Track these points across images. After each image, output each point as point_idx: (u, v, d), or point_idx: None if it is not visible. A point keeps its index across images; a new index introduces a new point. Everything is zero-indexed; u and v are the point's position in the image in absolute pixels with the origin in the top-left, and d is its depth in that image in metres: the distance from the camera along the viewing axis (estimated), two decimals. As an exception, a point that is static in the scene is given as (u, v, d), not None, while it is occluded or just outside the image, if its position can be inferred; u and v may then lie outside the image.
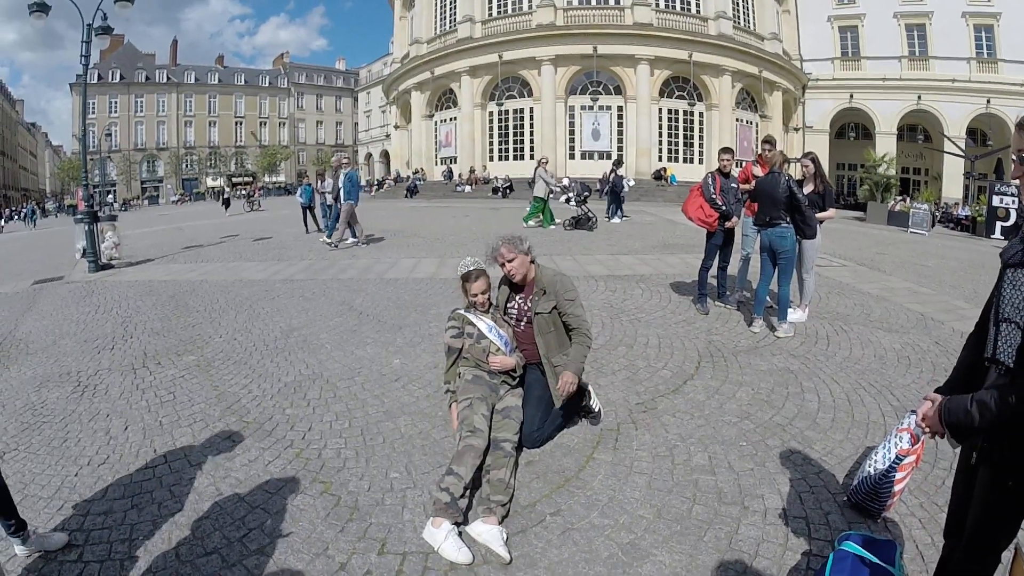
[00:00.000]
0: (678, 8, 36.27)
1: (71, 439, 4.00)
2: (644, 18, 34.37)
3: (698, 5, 36.44)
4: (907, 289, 8.84)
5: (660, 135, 36.40)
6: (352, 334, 6.38)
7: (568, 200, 15.90)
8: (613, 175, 19.22)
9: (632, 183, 23.19)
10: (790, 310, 6.43)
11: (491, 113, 38.86)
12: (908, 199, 27.31)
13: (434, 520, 2.84)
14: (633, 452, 3.75)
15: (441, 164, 41.83)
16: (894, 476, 3.01)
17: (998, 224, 20.78)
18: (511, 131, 38.38)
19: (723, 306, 7.34)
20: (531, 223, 16.32)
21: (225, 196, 33.06)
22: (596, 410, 4.13)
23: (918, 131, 40.54)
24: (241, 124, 75.00)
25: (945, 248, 16.05)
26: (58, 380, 5.13)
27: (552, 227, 15.82)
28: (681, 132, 37.19)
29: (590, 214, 15.89)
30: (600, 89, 36.33)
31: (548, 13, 35.12)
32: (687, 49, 34.61)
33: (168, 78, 70.73)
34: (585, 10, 35.77)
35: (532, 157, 36.31)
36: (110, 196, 53.16)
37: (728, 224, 7.04)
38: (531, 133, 37.21)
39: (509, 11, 37.47)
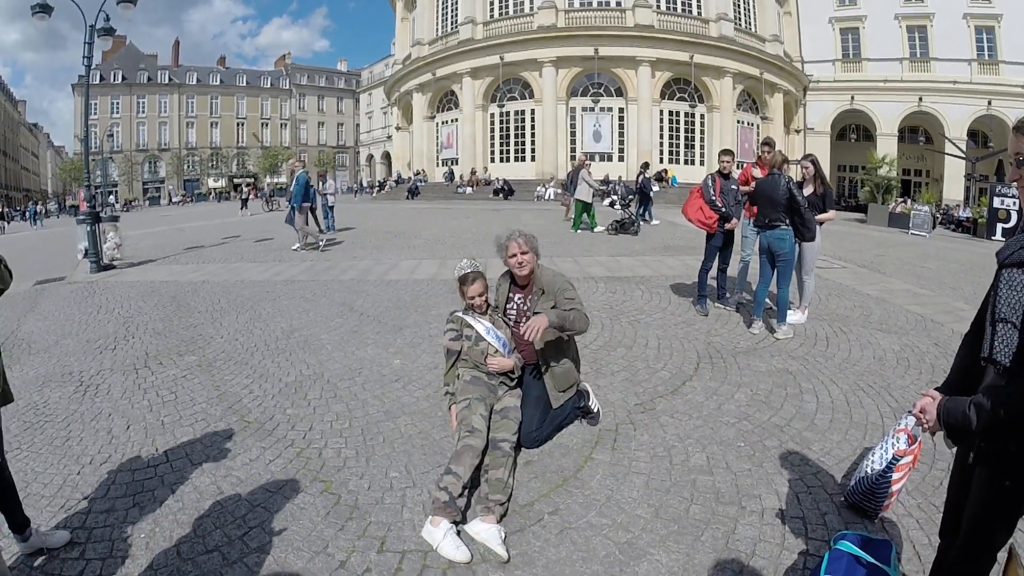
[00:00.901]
0: (679, 10, 36.34)
1: (73, 438, 4.03)
2: (645, 20, 34.43)
3: (699, 7, 36.52)
4: (907, 291, 8.86)
5: (661, 137, 36.44)
6: (353, 335, 6.41)
7: (612, 204, 15.57)
8: (642, 177, 19.14)
9: (657, 188, 22.86)
10: (789, 312, 6.45)
11: (492, 115, 38.92)
12: (909, 201, 27.32)
13: (433, 519, 2.86)
14: (631, 452, 3.77)
15: (442, 165, 41.92)
16: (891, 476, 3.03)
17: (999, 226, 20.78)
18: (512, 133, 38.43)
19: (722, 307, 7.36)
20: (579, 230, 15.85)
21: (244, 196, 32.98)
22: (595, 411, 4.15)
23: (919, 133, 40.56)
24: (243, 125, 75.15)
25: (946, 250, 16.05)
26: (60, 380, 5.16)
27: (598, 230, 15.37)
28: (682, 134, 37.24)
29: (634, 217, 15.59)
30: (601, 91, 36.37)
31: (549, 15, 35.18)
32: (688, 51, 34.66)
33: (170, 79, 70.89)
34: (586, 12, 35.84)
35: (534, 159, 36.52)
36: (112, 197, 53.16)
37: (728, 226, 7.06)
38: (532, 135, 37.25)
39: (511, 13, 37.57)
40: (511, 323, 4.04)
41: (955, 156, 32.53)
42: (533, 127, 37.17)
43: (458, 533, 2.85)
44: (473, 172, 36.82)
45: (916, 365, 5.49)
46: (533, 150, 37.22)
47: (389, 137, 60.20)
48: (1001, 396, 1.71)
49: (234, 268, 10.87)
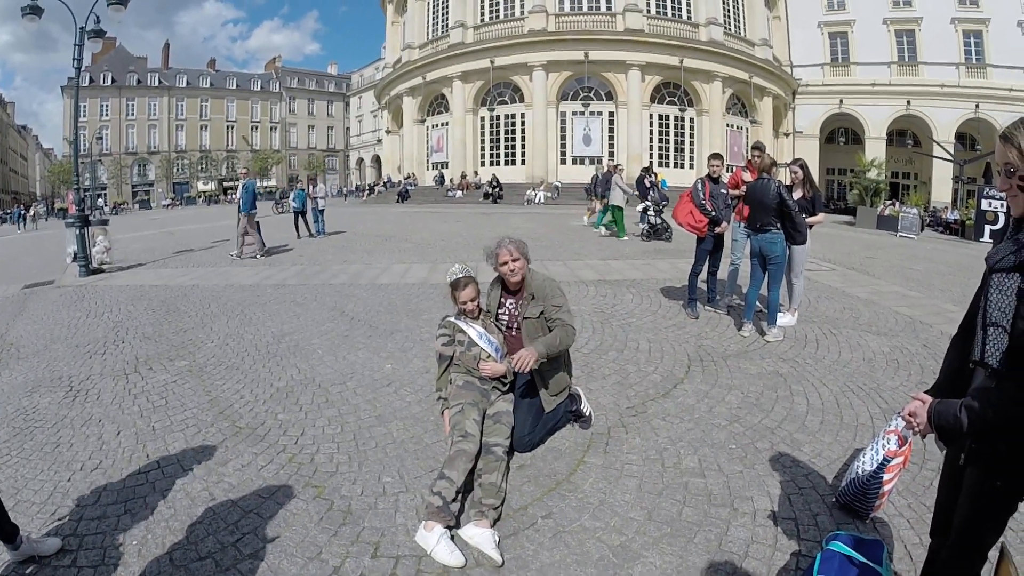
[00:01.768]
0: (669, 14, 36.49)
1: (63, 444, 3.99)
2: (635, 24, 34.57)
3: (689, 11, 36.71)
4: (896, 293, 8.93)
5: (651, 140, 36.50)
6: (344, 339, 6.40)
7: (646, 210, 15.38)
8: (648, 180, 19.14)
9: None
10: (779, 314, 6.49)
11: (483, 118, 38.92)
12: (897, 203, 27.53)
13: (426, 524, 2.86)
14: (624, 455, 3.78)
15: (432, 169, 41.87)
16: (882, 477, 3.05)
17: (987, 228, 21.00)
18: (503, 136, 38.45)
19: (713, 311, 7.40)
20: (603, 231, 15.87)
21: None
22: (587, 414, 4.17)
23: (907, 136, 40.85)
24: (233, 128, 74.84)
25: (934, 252, 16.19)
26: (50, 385, 5.12)
27: (625, 238, 15.07)
28: (672, 137, 37.35)
29: (667, 223, 15.24)
30: (591, 95, 36.50)
31: (540, 19, 35.25)
32: (678, 55, 34.81)
33: (160, 81, 70.57)
34: (577, 16, 35.92)
35: (523, 162, 36.50)
36: (100, 200, 52.79)
37: (718, 229, 7.11)
38: (523, 138, 37.27)
39: (501, 17, 37.61)
40: (503, 328, 4.04)
41: (943, 159, 32.82)
42: (523, 131, 37.19)
43: (452, 538, 2.85)
44: (463, 176, 36.82)
45: (905, 366, 5.53)
46: (523, 154, 37.23)
47: (379, 141, 60.17)
48: (992, 398, 1.73)
49: (224, 272, 10.83)
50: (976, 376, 1.90)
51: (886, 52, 39.95)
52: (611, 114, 36.27)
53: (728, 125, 38.14)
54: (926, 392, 2.09)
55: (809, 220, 6.70)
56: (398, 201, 35.94)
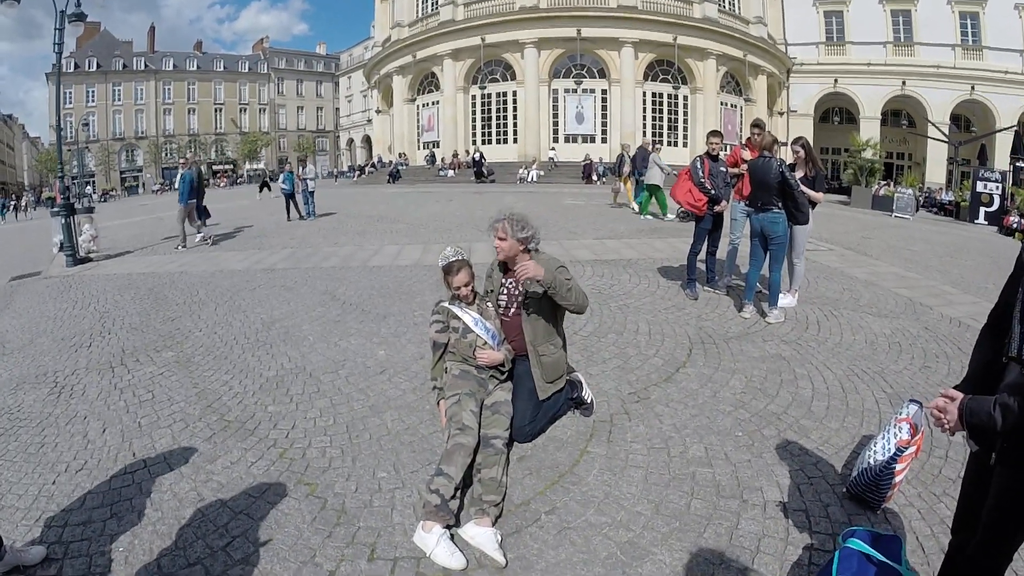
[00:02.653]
0: (663, -10, 36.03)
1: (48, 444, 3.85)
2: (629, 1, 34.08)
3: (683, -13, 36.23)
4: (894, 274, 8.84)
5: (644, 118, 36.17)
6: (335, 325, 6.25)
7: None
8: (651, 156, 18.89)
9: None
10: (780, 295, 6.37)
11: (474, 97, 38.49)
12: (892, 184, 27.46)
13: (424, 524, 2.74)
14: (628, 444, 3.67)
15: (424, 148, 41.45)
16: (894, 467, 2.96)
17: (982, 210, 21.03)
18: (494, 115, 38.07)
19: (712, 291, 7.28)
20: (648, 215, 15.16)
21: (265, 179, 31.97)
22: (588, 401, 4.05)
23: (902, 116, 40.60)
24: (221, 111, 73.80)
25: (930, 233, 16.12)
26: (35, 381, 4.95)
27: (671, 216, 14.48)
28: (666, 115, 37.03)
29: None
30: (584, 72, 36.10)
31: (531, -5, 34.72)
32: (671, 32, 34.41)
33: (146, 65, 69.32)
34: (569, -8, 35.41)
35: (516, 141, 36.19)
36: (89, 187, 52.12)
37: (717, 208, 6.96)
38: (515, 117, 36.90)
39: (492, -7, 37.05)
40: (501, 309, 3.88)
41: (938, 140, 32.69)
42: (515, 109, 36.82)
43: (452, 538, 2.73)
44: (455, 155, 36.45)
45: (908, 350, 5.45)
46: (515, 132, 36.91)
47: (369, 121, 59.53)
48: None
49: (212, 257, 10.63)
50: (1009, 371, 1.82)
51: (881, 32, 39.64)
52: (604, 92, 35.93)
53: (722, 103, 37.86)
54: (955, 387, 1.99)
55: (809, 194, 6.50)
56: (389, 181, 35.54)
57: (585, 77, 36.04)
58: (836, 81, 40.43)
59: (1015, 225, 18.27)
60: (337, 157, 77.24)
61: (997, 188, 21.09)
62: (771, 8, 41.45)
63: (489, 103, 38.19)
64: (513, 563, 2.65)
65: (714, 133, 7.09)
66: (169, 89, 70.77)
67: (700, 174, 6.82)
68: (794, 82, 42.03)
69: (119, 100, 68.20)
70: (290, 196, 16.62)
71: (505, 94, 37.34)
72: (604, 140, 35.52)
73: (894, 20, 39.56)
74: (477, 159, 32.05)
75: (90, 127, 63.15)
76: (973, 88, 37.35)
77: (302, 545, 2.77)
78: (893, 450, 3.03)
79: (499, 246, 3.68)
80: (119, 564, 2.69)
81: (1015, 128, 33.09)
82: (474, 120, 38.79)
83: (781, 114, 41.87)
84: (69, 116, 61.41)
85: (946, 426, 1.88)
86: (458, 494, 2.92)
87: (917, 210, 22.56)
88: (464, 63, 37.42)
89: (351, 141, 73.75)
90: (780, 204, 5.98)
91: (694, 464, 3.44)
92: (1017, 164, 25.54)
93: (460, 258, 3.76)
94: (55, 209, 11.85)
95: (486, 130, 38.51)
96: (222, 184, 55.75)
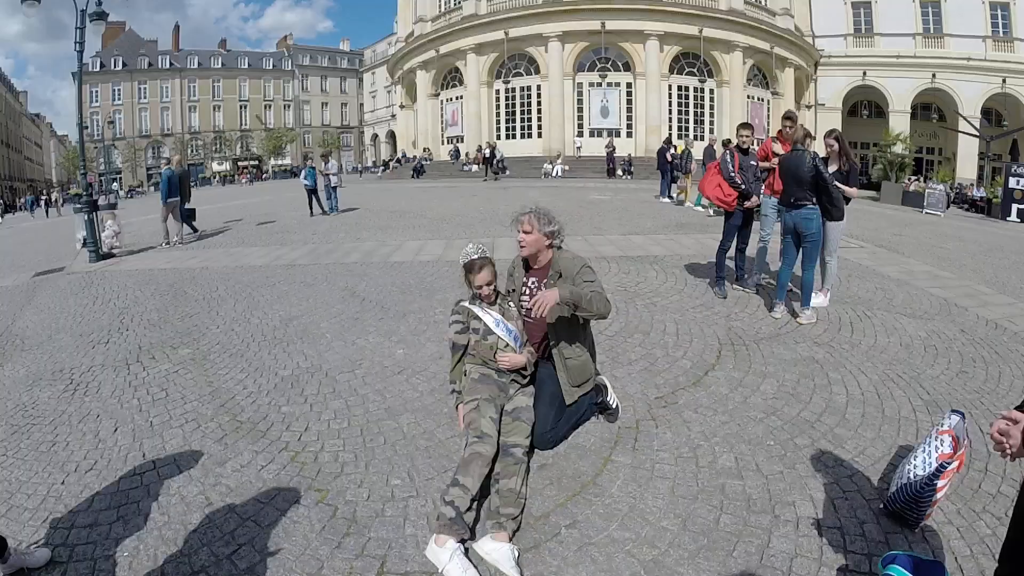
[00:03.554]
0: (688, -18, 35.52)
1: (59, 443, 3.79)
2: (653, -7, 33.66)
3: (708, -21, 35.69)
4: (927, 272, 8.54)
5: (670, 112, 35.82)
6: (354, 322, 6.15)
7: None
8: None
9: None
10: (812, 295, 6.14)
11: (497, 91, 38.41)
12: (922, 179, 26.80)
13: (437, 538, 2.60)
14: (654, 453, 3.50)
15: (447, 143, 41.43)
16: (936, 484, 2.76)
17: (1014, 206, 20.41)
18: (518, 109, 37.96)
19: (741, 290, 7.05)
20: (711, 211, 14.71)
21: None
22: (613, 406, 3.87)
23: (932, 110, 39.76)
24: (246, 108, 74.43)
25: (962, 230, 15.66)
26: (50, 378, 4.92)
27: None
28: (691, 109, 36.61)
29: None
30: (608, 66, 35.81)
31: (555, -12, 34.44)
32: (697, 24, 33.98)
33: (171, 64, 70.16)
34: (593, -15, 35.05)
35: (540, 135, 36.03)
36: (115, 183, 52.88)
37: (748, 204, 6.73)
38: (539, 111, 36.77)
39: (515, -14, 36.82)
40: (524, 311, 3.72)
41: (969, 134, 31.85)
42: (539, 103, 36.63)
43: (466, 552, 2.59)
44: (479, 149, 36.36)
45: (944, 353, 5.20)
46: (539, 127, 36.73)
47: (393, 116, 59.70)
48: None
49: (234, 253, 10.62)
50: None
51: (911, 23, 38.72)
52: (629, 85, 35.64)
53: (749, 97, 37.33)
54: (1017, 408, 1.81)
55: (843, 189, 6.23)
56: (413, 176, 35.59)
57: (610, 71, 35.73)
58: (864, 74, 39.59)
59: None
60: (361, 153, 77.55)
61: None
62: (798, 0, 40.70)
63: (513, 98, 38.07)
64: (531, 581, 2.51)
65: (744, 126, 6.84)
66: (194, 87, 71.53)
67: (730, 168, 6.59)
68: (822, 75, 41.25)
69: (145, 98, 69.13)
70: (312, 191, 16.62)
71: (529, 88, 37.18)
72: (630, 135, 35.19)
73: (923, 11, 38.63)
74: (487, 154, 31.01)
75: (116, 125, 64.10)
76: (1005, 81, 36.32)
77: (309, 556, 2.65)
78: (935, 465, 2.83)
79: (524, 240, 3.54)
80: (123, 570, 2.61)
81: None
82: (498, 115, 38.71)
83: (809, 107, 41.10)
84: (96, 114, 62.49)
85: (1008, 451, 1.70)
86: (474, 505, 2.78)
87: (948, 206, 21.97)
88: (487, 57, 37.30)
89: (375, 137, 74.02)
90: (814, 200, 5.74)
91: (724, 475, 3.26)
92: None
93: (482, 255, 3.58)
94: (78, 205, 11.93)
95: (510, 124, 38.42)
96: (243, 181, 56.13)
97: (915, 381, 4.58)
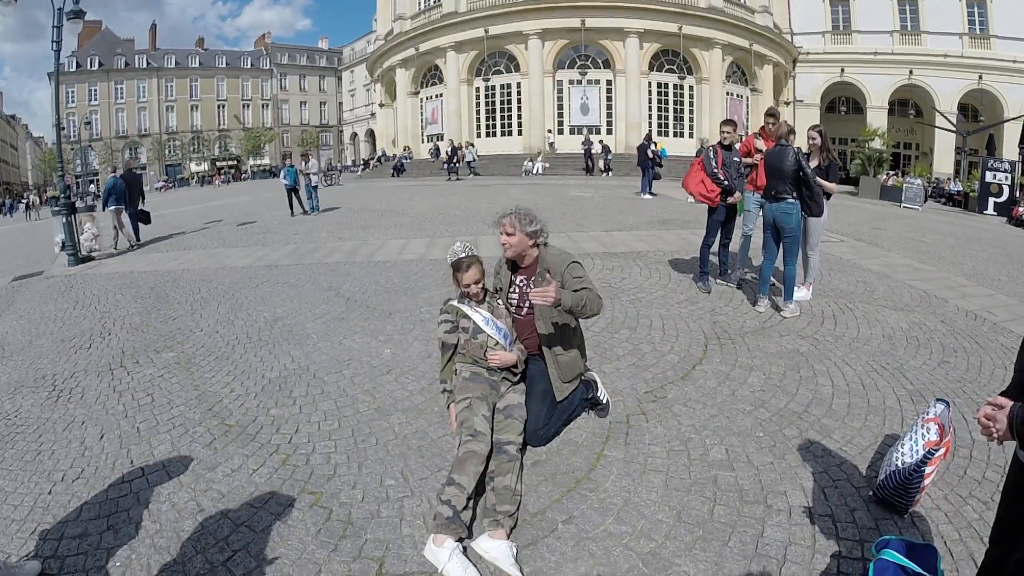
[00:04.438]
0: (666, -21, 35.64)
1: (45, 451, 3.71)
2: (632, -10, 33.73)
3: (687, -23, 35.84)
4: (907, 266, 8.69)
5: (650, 109, 35.97)
6: (339, 322, 6.11)
7: None
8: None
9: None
10: (794, 288, 6.21)
11: (478, 89, 38.29)
12: (900, 174, 27.20)
13: (435, 537, 2.59)
14: (646, 447, 3.52)
15: (428, 142, 41.20)
16: (924, 470, 2.83)
17: (991, 200, 20.84)
18: (498, 107, 37.88)
19: (725, 285, 7.11)
20: None
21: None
22: (604, 401, 3.89)
23: (909, 106, 40.11)
24: (224, 107, 73.48)
25: (940, 223, 15.94)
26: (33, 385, 4.82)
27: None
28: (671, 106, 36.78)
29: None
30: (588, 63, 35.82)
31: (534, -14, 34.39)
32: (677, 22, 34.10)
33: (148, 63, 69.09)
34: (572, -18, 35.04)
35: (520, 133, 35.97)
36: (92, 185, 51.97)
37: (730, 199, 6.77)
38: (519, 108, 36.70)
39: (494, -16, 36.72)
40: (513, 308, 3.72)
41: (945, 130, 32.31)
42: (519, 101, 36.59)
43: (465, 551, 2.59)
44: (459, 147, 36.26)
45: (926, 344, 5.31)
46: (519, 124, 36.70)
47: (373, 115, 59.30)
48: None
49: (215, 254, 10.51)
50: None
51: (888, 21, 39.10)
52: (609, 83, 35.68)
53: (728, 93, 37.56)
54: (1001, 394, 1.87)
55: (823, 184, 6.29)
56: (393, 175, 35.40)
57: (590, 68, 35.75)
58: (843, 70, 39.95)
59: (1026, 216, 18.05)
60: (341, 151, 77.01)
61: (1006, 178, 20.91)
62: (776, -3, 41.05)
63: (493, 95, 37.98)
64: (530, 577, 2.52)
65: (727, 122, 6.88)
66: (171, 86, 70.50)
67: (713, 164, 6.64)
68: (800, 72, 41.58)
69: (121, 98, 68.04)
70: (292, 190, 16.49)
71: (509, 86, 37.12)
72: (610, 131, 35.27)
73: (901, 8, 38.99)
74: (448, 152, 30.18)
75: (93, 125, 63.04)
76: (981, 77, 36.84)
77: (306, 559, 2.63)
78: (922, 452, 2.90)
79: (507, 242, 3.52)
80: (116, 581, 2.56)
81: (1024, 118, 32.70)
82: (478, 113, 38.59)
83: (787, 104, 41.45)
84: (72, 115, 61.32)
85: (994, 436, 1.76)
86: (470, 504, 2.78)
87: (926, 200, 22.35)
88: (467, 55, 37.17)
89: (355, 135, 73.56)
90: (795, 194, 5.80)
91: (715, 467, 3.30)
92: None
93: (470, 254, 3.59)
94: (55, 208, 11.74)
95: (490, 122, 38.32)
96: (218, 183, 55.42)
97: (899, 371, 4.66)
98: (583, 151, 30.22)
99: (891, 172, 27.63)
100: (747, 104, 38.93)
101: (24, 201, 44.29)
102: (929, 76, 37.93)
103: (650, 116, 35.79)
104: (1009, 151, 33.55)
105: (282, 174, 17.57)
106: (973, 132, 32.76)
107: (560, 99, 36.26)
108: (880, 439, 3.62)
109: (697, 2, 35.26)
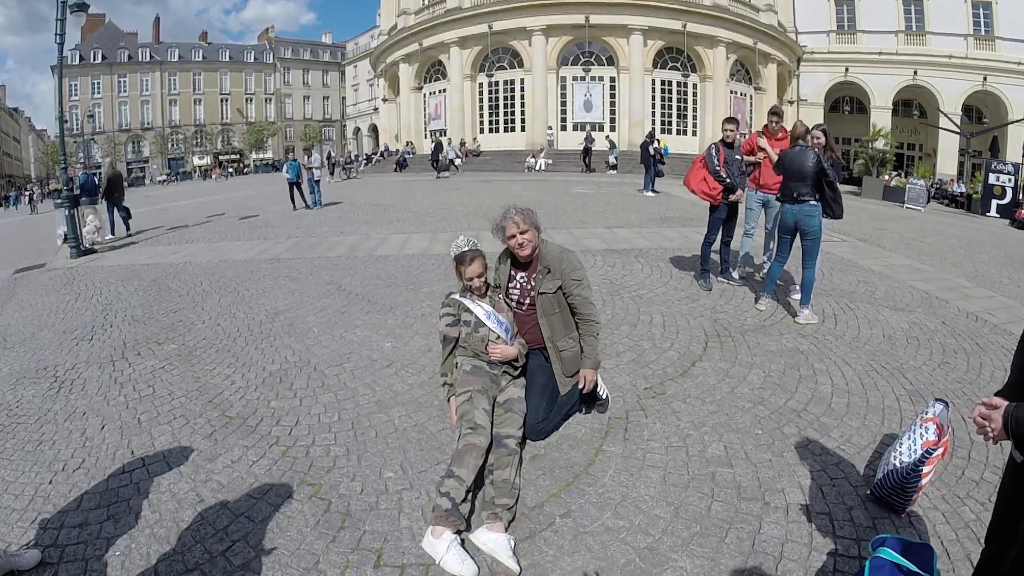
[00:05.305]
0: (671, -23, 35.54)
1: (46, 442, 3.73)
2: (637, -13, 33.65)
3: (692, -26, 35.74)
4: (908, 266, 8.68)
5: (653, 106, 35.89)
6: (341, 316, 6.12)
7: None
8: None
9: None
10: (793, 287, 6.19)
11: (481, 84, 38.23)
12: (903, 175, 27.15)
13: (434, 529, 2.60)
14: (644, 443, 3.53)
15: (430, 137, 41.16)
16: (921, 470, 2.83)
17: (994, 202, 20.80)
18: (501, 103, 37.82)
19: (726, 282, 7.11)
20: None
21: (332, 161, 31.35)
22: (604, 397, 3.90)
23: (913, 107, 40.07)
24: (227, 101, 73.48)
25: (943, 225, 15.91)
26: (34, 376, 4.84)
27: None
28: (674, 104, 36.71)
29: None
30: (592, 60, 35.78)
31: (539, -18, 34.32)
32: (681, 19, 33.99)
33: (151, 56, 69.07)
34: (577, -21, 34.96)
35: (524, 129, 35.93)
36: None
37: (732, 197, 6.77)
38: (522, 105, 36.65)
39: (499, -20, 36.64)
40: (513, 304, 3.73)
41: (950, 131, 32.20)
42: (523, 97, 36.54)
43: (462, 543, 2.60)
44: (462, 143, 36.23)
45: (926, 344, 5.32)
46: (523, 120, 36.66)
47: (376, 110, 59.20)
48: None
49: (217, 248, 10.52)
50: None
51: (893, 20, 39.00)
52: (612, 80, 35.59)
53: (732, 92, 37.47)
54: (996, 394, 1.87)
55: None
56: (396, 170, 35.40)
57: (593, 65, 35.71)
58: (847, 70, 39.84)
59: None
60: (344, 146, 76.99)
61: (1010, 180, 20.87)
62: (781, -5, 40.93)
63: (496, 91, 37.93)
64: (527, 570, 2.53)
65: (729, 120, 6.86)
66: (175, 80, 70.50)
67: (715, 162, 6.63)
68: (804, 71, 41.45)
69: (124, 91, 68.05)
70: (295, 184, 16.50)
71: (512, 82, 37.06)
72: (613, 128, 35.21)
73: (905, 9, 38.89)
74: (432, 149, 29.41)
75: (96, 119, 63.11)
76: (985, 79, 36.79)
77: (305, 550, 2.64)
78: (920, 452, 2.91)
79: (524, 240, 3.50)
80: (115, 569, 2.58)
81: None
82: (481, 108, 38.55)
83: (791, 103, 41.32)
84: (75, 108, 61.40)
85: (989, 435, 1.77)
86: (469, 496, 2.79)
87: (928, 201, 22.31)
88: (471, 51, 37.11)
89: (358, 130, 73.47)
90: (817, 196, 5.72)
91: (713, 464, 3.30)
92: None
93: (473, 248, 3.60)
94: (58, 201, 11.76)
95: (493, 118, 38.30)
96: (215, 177, 55.36)
97: (898, 371, 4.67)
98: (582, 148, 30.06)
99: (894, 173, 27.57)
100: (751, 103, 38.85)
101: (27, 193, 44.42)
102: (933, 77, 37.87)
103: (653, 114, 35.73)
104: (1013, 153, 33.49)
105: (285, 168, 17.60)
106: (977, 134, 32.72)
107: (563, 96, 36.20)
108: (879, 438, 3.63)
109: (702, 0, 35.18)
